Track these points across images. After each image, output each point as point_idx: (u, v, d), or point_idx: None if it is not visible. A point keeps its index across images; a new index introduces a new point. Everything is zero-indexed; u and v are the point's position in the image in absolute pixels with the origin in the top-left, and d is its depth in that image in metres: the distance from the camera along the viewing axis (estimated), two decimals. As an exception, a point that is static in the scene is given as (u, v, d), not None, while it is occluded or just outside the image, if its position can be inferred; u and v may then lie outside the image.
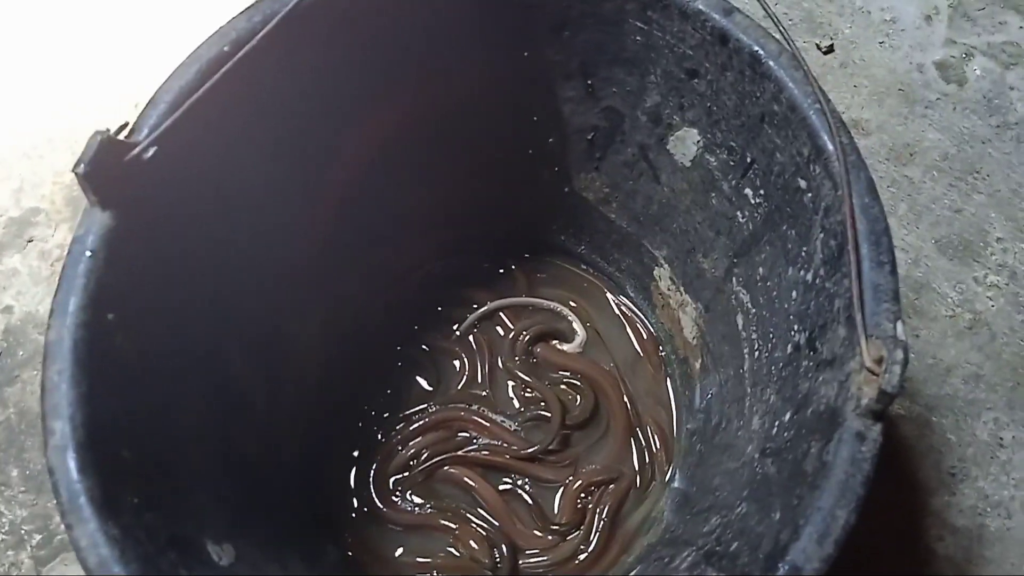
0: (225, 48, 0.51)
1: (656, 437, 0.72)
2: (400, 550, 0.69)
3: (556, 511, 0.70)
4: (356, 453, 0.72)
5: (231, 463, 0.57)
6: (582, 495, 0.69)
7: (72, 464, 0.42)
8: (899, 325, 0.42)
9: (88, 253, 0.46)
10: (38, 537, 0.72)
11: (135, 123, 0.50)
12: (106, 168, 0.46)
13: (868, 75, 0.91)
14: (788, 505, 0.43)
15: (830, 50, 0.92)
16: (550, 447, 0.71)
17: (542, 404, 0.73)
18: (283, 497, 0.64)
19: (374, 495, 0.70)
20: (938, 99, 0.90)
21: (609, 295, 0.79)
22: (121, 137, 0.48)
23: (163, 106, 0.50)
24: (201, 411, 0.55)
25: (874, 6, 0.95)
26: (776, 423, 0.51)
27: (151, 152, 0.48)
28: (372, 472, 0.71)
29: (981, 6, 0.95)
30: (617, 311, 0.78)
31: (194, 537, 0.48)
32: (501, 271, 0.81)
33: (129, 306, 0.48)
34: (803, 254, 0.51)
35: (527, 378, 0.75)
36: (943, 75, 0.91)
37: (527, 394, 0.75)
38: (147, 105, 0.50)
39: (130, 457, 0.46)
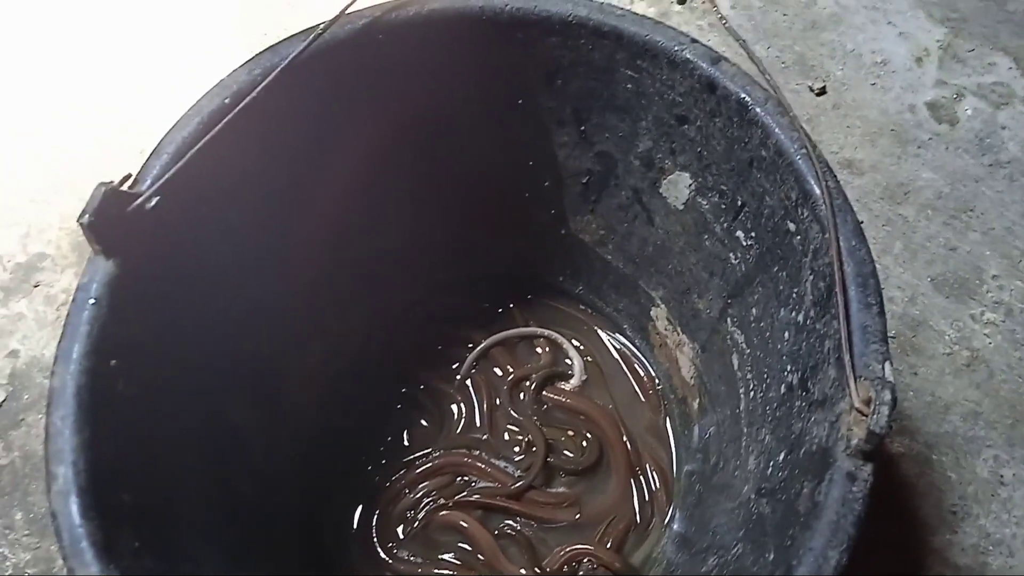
0: (226, 100, 0.53)
1: (656, 477, 0.72)
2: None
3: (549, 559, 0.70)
4: (355, 499, 0.72)
5: (230, 507, 0.58)
6: (573, 562, 0.69)
7: (74, 509, 0.42)
8: (887, 366, 0.43)
9: (92, 301, 0.47)
10: (41, 581, 0.72)
11: (138, 174, 0.51)
12: (110, 218, 0.47)
13: (861, 116, 0.93)
14: (781, 546, 0.44)
15: (822, 92, 0.94)
16: (533, 483, 0.71)
17: (533, 449, 0.73)
18: (282, 541, 0.64)
19: (376, 544, 0.70)
20: (930, 139, 0.91)
21: (607, 335, 0.80)
22: (124, 188, 0.50)
23: (165, 157, 0.51)
24: (200, 456, 0.55)
25: (865, 48, 0.97)
26: (771, 463, 0.51)
27: (154, 202, 0.50)
28: (374, 520, 0.71)
29: (970, 47, 0.97)
30: (615, 351, 0.79)
31: (193, 580, 0.48)
32: (500, 311, 0.82)
33: (132, 353, 0.49)
34: (794, 295, 0.52)
35: (523, 420, 0.75)
36: (935, 115, 0.92)
37: (526, 437, 0.75)
38: (150, 156, 0.52)
39: (131, 501, 0.47)
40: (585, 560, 0.69)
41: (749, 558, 0.47)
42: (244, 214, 0.58)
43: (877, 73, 0.95)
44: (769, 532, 0.47)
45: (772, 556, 0.44)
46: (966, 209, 0.87)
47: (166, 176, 0.50)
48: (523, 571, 0.68)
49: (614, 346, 0.79)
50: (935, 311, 0.82)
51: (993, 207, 0.87)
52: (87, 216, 0.46)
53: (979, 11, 0.99)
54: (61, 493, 0.43)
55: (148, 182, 0.50)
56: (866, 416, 0.41)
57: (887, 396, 0.40)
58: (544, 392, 0.77)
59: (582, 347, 0.79)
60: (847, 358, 0.43)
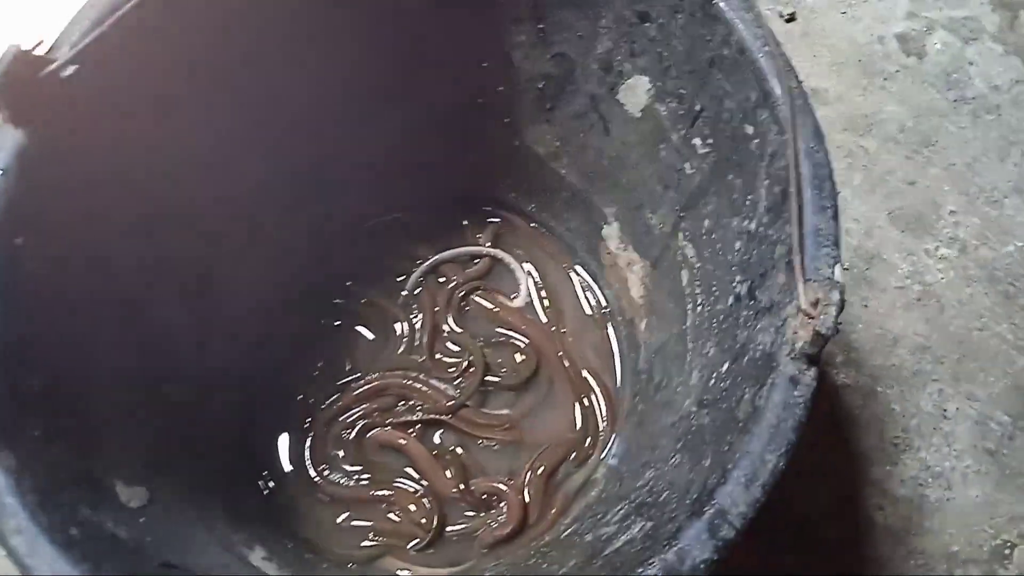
0: (156, -35, 0.49)
1: (601, 400, 0.71)
2: (339, 518, 0.67)
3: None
4: (290, 416, 0.70)
5: (155, 406, 0.55)
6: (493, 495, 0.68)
7: (-27, 388, 0.39)
8: (837, 268, 0.41)
9: (-1, 171, 0.44)
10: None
11: (56, 39, 0.47)
12: (20, 83, 0.44)
13: (829, 45, 0.90)
14: (719, 451, 0.42)
15: (792, 19, 0.91)
16: (467, 402, 0.70)
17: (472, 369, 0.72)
18: (211, 446, 0.61)
19: (310, 466, 0.68)
20: (897, 71, 0.89)
21: (559, 254, 0.77)
22: (38, 52, 0.46)
23: (86, 22, 0.47)
24: (122, 349, 0.53)
25: (838, -24, 0.94)
26: (714, 375, 0.50)
27: (71, 70, 0.46)
28: (308, 441, 0.69)
29: (944, -20, 0.94)
30: (566, 271, 0.77)
31: (102, 476, 0.46)
32: (451, 227, 0.79)
33: (43, 231, 0.46)
34: (747, 203, 0.50)
35: (467, 343, 0.73)
36: (903, 48, 0.90)
37: (468, 361, 0.73)
38: (69, 22, 0.48)
39: (38, 387, 0.44)
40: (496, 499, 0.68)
41: (686, 467, 0.46)
42: (177, 93, 0.54)
43: (848, 2, 0.93)
44: (708, 440, 0.45)
45: (708, 462, 0.43)
46: (928, 143, 0.85)
47: (85, 42, 0.46)
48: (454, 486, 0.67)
49: (564, 266, 0.77)
50: (890, 245, 0.81)
51: (955, 143, 0.85)
52: (-7, 78, 0.42)
53: (955, -56, 0.97)
54: (-45, 369, 0.40)
55: (65, 48, 0.46)
56: (813, 318, 0.39)
57: (835, 296, 0.39)
58: (486, 306, 0.75)
59: (531, 266, 0.77)
60: (797, 259, 0.41)
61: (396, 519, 0.67)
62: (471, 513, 0.67)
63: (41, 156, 0.45)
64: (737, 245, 0.51)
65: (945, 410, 0.75)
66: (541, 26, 0.61)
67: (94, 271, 0.50)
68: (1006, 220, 0.82)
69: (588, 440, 0.70)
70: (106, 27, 0.46)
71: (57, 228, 0.47)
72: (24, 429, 0.42)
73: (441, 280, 0.77)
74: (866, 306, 0.78)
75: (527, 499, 0.67)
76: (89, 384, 0.49)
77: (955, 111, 0.87)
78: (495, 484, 0.67)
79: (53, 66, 0.45)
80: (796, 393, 0.40)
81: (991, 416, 0.74)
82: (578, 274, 0.77)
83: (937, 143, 0.85)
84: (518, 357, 0.73)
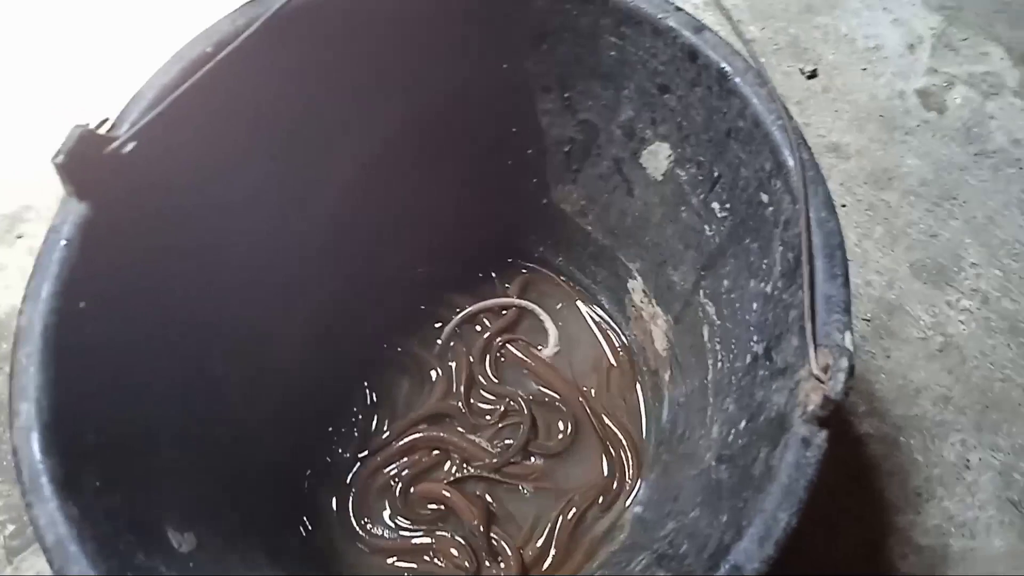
0: (208, 49, 0.53)
1: (628, 449, 0.73)
2: (383, 562, 0.70)
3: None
4: (332, 465, 0.73)
5: (203, 456, 0.58)
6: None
7: (35, 445, 0.43)
8: (847, 335, 0.43)
9: (63, 242, 0.47)
10: (11, 527, 0.72)
11: (117, 117, 0.51)
12: (85, 159, 0.47)
13: (850, 100, 0.93)
14: (735, 508, 0.44)
15: (813, 75, 0.94)
16: (512, 460, 0.72)
17: (515, 423, 0.74)
18: (255, 493, 0.64)
19: (353, 519, 0.71)
20: (918, 126, 0.91)
21: (585, 306, 0.80)
22: (102, 131, 0.50)
23: (144, 102, 0.51)
24: (174, 402, 0.56)
25: (859, 33, 0.97)
26: (732, 431, 0.52)
27: (131, 146, 0.50)
28: (352, 495, 0.72)
29: (964, 36, 0.97)
30: (593, 322, 0.80)
31: (155, 522, 0.49)
32: (483, 279, 0.82)
33: (103, 296, 0.49)
34: (764, 267, 0.52)
35: (502, 392, 0.76)
36: (924, 103, 0.93)
37: (505, 407, 0.75)
38: (129, 101, 0.52)
39: (96, 441, 0.47)
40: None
41: (704, 521, 0.48)
42: (228, 168, 0.58)
43: (869, 58, 0.95)
44: (724, 496, 0.47)
45: (725, 518, 0.45)
46: (949, 197, 0.87)
47: (144, 120, 0.50)
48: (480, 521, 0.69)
49: (592, 318, 0.80)
50: (912, 296, 0.82)
51: (976, 196, 0.87)
52: (61, 156, 0.46)
53: (975, 0, 0.99)
54: (23, 429, 0.43)
55: (126, 126, 0.50)
56: (824, 383, 0.41)
57: (844, 363, 0.41)
58: (518, 356, 0.78)
59: (560, 319, 0.80)
60: (809, 326, 0.43)
61: (440, 564, 0.69)
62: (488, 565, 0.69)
63: (103, 227, 0.49)
64: (754, 306, 0.53)
65: (968, 460, 0.76)
66: (567, 95, 0.64)
67: (150, 331, 0.54)
68: (1028, 272, 0.83)
69: (615, 486, 0.72)
70: (163, 107, 0.50)
71: (116, 292, 0.51)
72: (84, 481, 0.45)
73: (477, 329, 0.80)
74: (888, 356, 0.80)
75: (524, 554, 0.69)
76: (143, 436, 0.52)
77: (976, 165, 0.88)
78: (500, 539, 0.70)
79: (115, 144, 0.49)
80: (808, 454, 0.41)
81: (1014, 467, 0.75)
82: (605, 325, 0.79)
83: (958, 196, 0.87)
84: (560, 424, 0.75)
